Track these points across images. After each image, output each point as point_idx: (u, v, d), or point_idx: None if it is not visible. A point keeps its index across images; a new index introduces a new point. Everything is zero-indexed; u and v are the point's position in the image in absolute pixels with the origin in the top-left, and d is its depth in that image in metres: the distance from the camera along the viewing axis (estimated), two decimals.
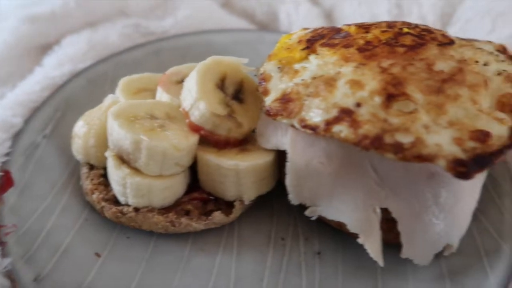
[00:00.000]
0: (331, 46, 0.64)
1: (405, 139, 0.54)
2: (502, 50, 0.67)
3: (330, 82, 0.60)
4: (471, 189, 0.64)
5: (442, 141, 0.53)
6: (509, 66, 0.63)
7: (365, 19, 0.98)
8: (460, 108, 0.57)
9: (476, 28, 0.97)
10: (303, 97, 0.60)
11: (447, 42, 0.64)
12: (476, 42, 0.68)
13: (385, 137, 0.54)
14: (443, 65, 0.60)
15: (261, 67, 0.68)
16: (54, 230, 0.70)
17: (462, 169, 0.52)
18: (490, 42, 0.68)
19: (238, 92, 0.71)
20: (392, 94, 0.57)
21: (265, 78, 0.65)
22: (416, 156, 0.53)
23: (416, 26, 0.67)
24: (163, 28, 1.06)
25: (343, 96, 0.58)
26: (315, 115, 0.58)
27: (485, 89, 0.59)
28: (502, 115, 0.57)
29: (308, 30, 0.72)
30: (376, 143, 0.54)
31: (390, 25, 0.67)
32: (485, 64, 0.63)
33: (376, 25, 0.67)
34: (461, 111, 0.56)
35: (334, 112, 0.57)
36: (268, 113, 0.62)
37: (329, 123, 0.56)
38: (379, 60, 0.60)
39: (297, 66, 0.64)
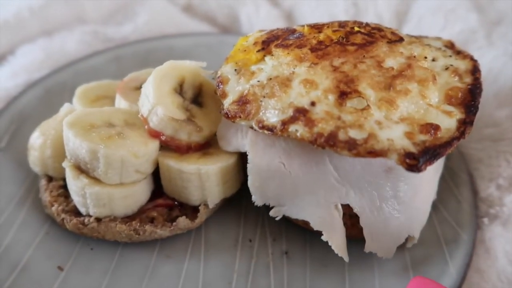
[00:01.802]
0: (285, 47, 0.65)
1: (358, 135, 0.55)
2: (450, 45, 0.69)
3: (285, 82, 0.60)
4: (429, 181, 0.66)
5: (394, 135, 0.55)
6: (456, 60, 0.65)
7: (324, 19, 1.00)
8: (411, 103, 0.58)
9: (429, 25, 1.00)
10: (259, 98, 0.60)
11: (397, 39, 0.66)
12: (425, 39, 0.70)
13: (339, 134, 0.55)
14: (393, 62, 0.62)
15: (218, 70, 0.68)
16: (13, 246, 0.68)
17: (413, 162, 0.53)
18: (439, 38, 0.71)
19: (197, 96, 0.71)
20: (345, 91, 0.58)
21: (222, 81, 0.65)
22: (369, 151, 0.54)
23: (367, 24, 0.69)
24: (122, 34, 1.04)
25: (297, 95, 0.59)
26: (272, 115, 0.58)
27: (434, 84, 0.61)
28: (450, 108, 0.59)
29: (264, 32, 0.72)
30: (331, 141, 0.55)
31: (342, 24, 0.68)
32: (433, 60, 0.65)
33: (328, 25, 0.68)
34: (411, 106, 0.58)
35: (289, 112, 0.58)
36: (226, 116, 0.62)
37: (285, 123, 0.57)
38: (331, 59, 0.61)
39: (253, 67, 0.65)
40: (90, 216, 0.67)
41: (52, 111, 0.78)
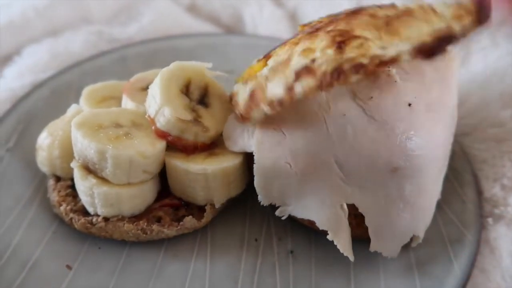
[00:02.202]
0: (282, 45, 0.65)
1: (363, 60, 0.53)
2: None
3: (285, 62, 0.60)
4: (433, 181, 0.67)
5: (401, 48, 0.53)
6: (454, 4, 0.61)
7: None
8: (414, 28, 0.56)
9: None
10: (264, 85, 0.60)
11: (392, 4, 0.64)
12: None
13: (344, 66, 0.53)
14: (386, 12, 0.60)
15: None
16: (22, 245, 0.68)
17: (427, 49, 0.51)
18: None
19: (203, 96, 0.71)
20: (342, 41, 0.56)
21: (233, 95, 0.66)
22: (378, 64, 0.52)
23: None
24: (127, 35, 1.05)
25: (296, 63, 0.58)
26: (276, 88, 0.57)
27: (436, 15, 0.58)
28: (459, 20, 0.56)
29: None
30: (336, 74, 0.53)
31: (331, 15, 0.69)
32: (428, 7, 0.61)
33: (319, 20, 0.69)
34: (415, 30, 0.55)
35: (291, 76, 0.56)
36: (242, 118, 0.62)
37: (290, 87, 0.56)
38: (324, 29, 0.60)
39: (258, 74, 0.65)
40: (98, 215, 0.68)
41: (59, 111, 0.78)
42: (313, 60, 0.56)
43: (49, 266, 0.67)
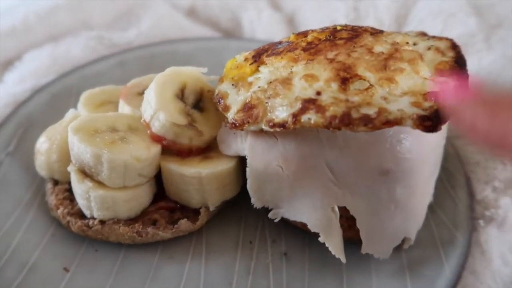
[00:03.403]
0: (277, 54, 0.66)
1: (370, 111, 0.56)
2: (423, 34, 0.71)
3: (286, 81, 0.62)
4: (424, 183, 0.67)
5: (403, 106, 0.57)
6: (435, 42, 0.68)
7: (325, 23, 1.00)
8: (408, 78, 0.60)
9: (429, 29, 1.00)
10: (264, 101, 0.62)
11: (378, 31, 0.69)
12: (401, 32, 0.72)
13: (352, 113, 0.56)
14: (381, 48, 0.64)
15: (216, 90, 0.69)
16: (21, 247, 0.70)
17: (428, 123, 0.55)
18: (411, 31, 0.73)
19: (198, 101, 0.73)
20: (346, 77, 0.59)
21: (222, 96, 0.66)
22: (384, 122, 0.55)
23: (346, 25, 0.71)
24: (127, 39, 1.06)
25: (301, 89, 0.60)
26: (280, 112, 0.60)
27: (422, 61, 0.63)
28: (443, 78, 0.61)
29: (250, 51, 0.74)
30: (346, 120, 0.56)
31: (324, 28, 0.70)
32: (414, 44, 0.67)
33: (312, 30, 0.70)
34: (409, 81, 0.60)
35: (298, 105, 0.59)
36: (233, 126, 0.63)
37: (296, 115, 0.58)
38: (324, 53, 0.63)
39: (250, 79, 0.66)
40: (94, 218, 0.69)
41: (59, 116, 0.80)
42: (319, 93, 0.59)
43: (47, 268, 0.68)
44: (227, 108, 0.65)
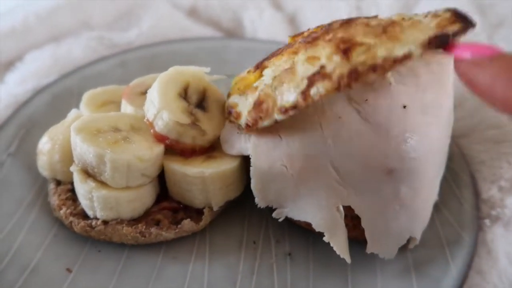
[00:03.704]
0: (277, 55, 0.66)
1: (376, 61, 0.55)
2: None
3: (289, 70, 0.61)
4: (430, 183, 0.67)
5: (412, 43, 0.56)
6: (430, 13, 0.65)
7: (327, 22, 1.01)
8: (410, 34, 0.58)
9: None
10: (272, 94, 0.61)
11: (374, 16, 0.68)
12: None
13: (359, 68, 0.55)
14: (377, 22, 0.63)
15: (226, 104, 0.70)
16: (23, 248, 0.69)
17: (436, 40, 0.55)
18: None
19: (201, 100, 0.72)
20: (346, 47, 0.58)
21: (232, 106, 0.67)
22: (393, 61, 0.54)
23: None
24: (128, 39, 1.06)
25: (305, 70, 0.59)
26: (289, 95, 0.59)
27: (422, 26, 0.61)
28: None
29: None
30: (353, 75, 0.55)
31: (318, 26, 0.70)
32: (410, 18, 0.65)
33: (308, 30, 0.70)
34: (411, 36, 0.58)
35: (304, 83, 0.58)
36: (248, 127, 0.63)
37: (305, 92, 0.57)
38: (322, 37, 0.62)
39: (255, 84, 0.65)
40: (97, 219, 0.69)
41: (60, 116, 0.80)
42: (323, 67, 0.58)
43: (50, 269, 0.67)
44: (238, 115, 0.65)
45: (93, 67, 0.98)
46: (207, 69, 0.73)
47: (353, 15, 1.07)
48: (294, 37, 0.71)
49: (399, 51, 0.55)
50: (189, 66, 0.73)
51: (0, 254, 0.68)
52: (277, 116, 0.60)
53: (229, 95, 0.70)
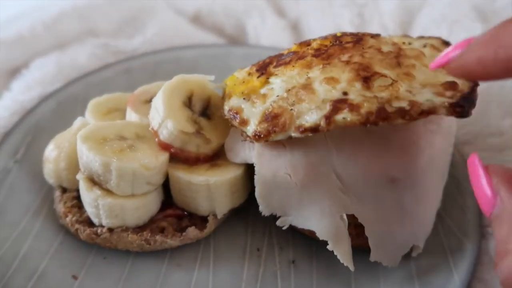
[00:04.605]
0: (286, 64, 0.66)
1: (402, 104, 0.57)
2: (407, 36, 0.74)
3: (306, 87, 0.62)
4: (433, 191, 0.67)
5: (429, 97, 0.58)
6: (426, 40, 0.69)
7: (329, 30, 1.01)
8: (420, 73, 0.62)
9: (434, 35, 1.01)
10: (288, 108, 0.61)
11: (376, 34, 0.71)
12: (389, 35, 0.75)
13: (386, 108, 0.57)
14: (387, 48, 0.66)
15: (224, 109, 0.68)
16: (29, 255, 0.70)
17: (460, 108, 0.57)
18: (395, 35, 0.75)
19: (205, 108, 0.73)
20: (367, 76, 0.60)
21: (237, 111, 0.65)
22: (420, 113, 0.56)
23: (345, 32, 0.72)
24: (132, 47, 1.07)
25: (326, 92, 0.60)
26: (310, 116, 0.59)
27: (425, 58, 0.65)
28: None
29: (249, 67, 0.73)
30: (382, 115, 0.56)
31: (325, 36, 0.71)
32: (409, 43, 0.69)
33: (314, 39, 0.71)
34: (423, 75, 0.61)
35: (327, 106, 0.58)
36: (258, 137, 0.62)
37: (329, 117, 0.58)
38: (337, 57, 0.64)
39: (263, 90, 0.65)
40: (103, 226, 0.69)
41: (65, 123, 0.80)
42: (345, 93, 0.59)
43: (56, 276, 0.68)
44: (244, 122, 0.64)
45: (98, 74, 0.98)
46: (212, 77, 0.74)
47: (356, 22, 1.08)
48: (300, 45, 0.71)
49: (418, 98, 0.57)
50: (193, 75, 0.73)
51: (7, 261, 0.68)
52: (293, 133, 0.60)
53: (228, 95, 0.69)
